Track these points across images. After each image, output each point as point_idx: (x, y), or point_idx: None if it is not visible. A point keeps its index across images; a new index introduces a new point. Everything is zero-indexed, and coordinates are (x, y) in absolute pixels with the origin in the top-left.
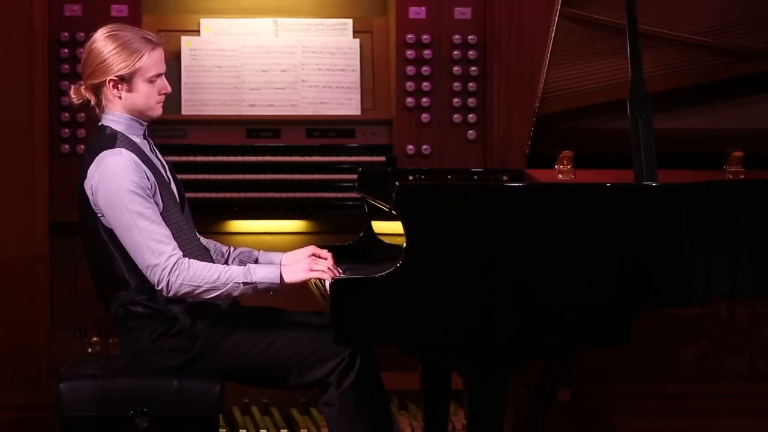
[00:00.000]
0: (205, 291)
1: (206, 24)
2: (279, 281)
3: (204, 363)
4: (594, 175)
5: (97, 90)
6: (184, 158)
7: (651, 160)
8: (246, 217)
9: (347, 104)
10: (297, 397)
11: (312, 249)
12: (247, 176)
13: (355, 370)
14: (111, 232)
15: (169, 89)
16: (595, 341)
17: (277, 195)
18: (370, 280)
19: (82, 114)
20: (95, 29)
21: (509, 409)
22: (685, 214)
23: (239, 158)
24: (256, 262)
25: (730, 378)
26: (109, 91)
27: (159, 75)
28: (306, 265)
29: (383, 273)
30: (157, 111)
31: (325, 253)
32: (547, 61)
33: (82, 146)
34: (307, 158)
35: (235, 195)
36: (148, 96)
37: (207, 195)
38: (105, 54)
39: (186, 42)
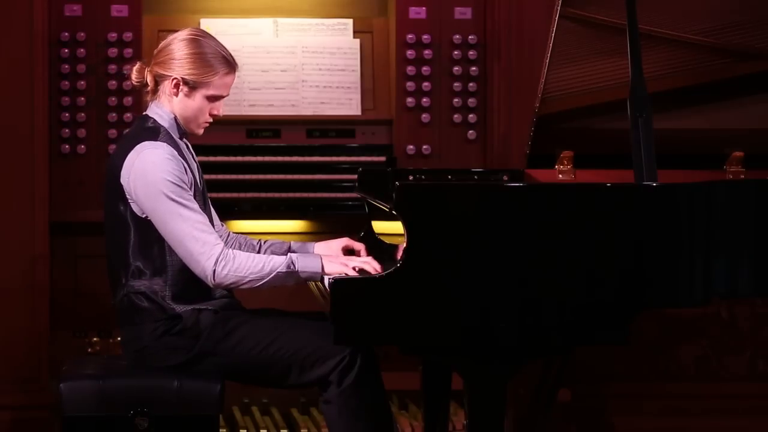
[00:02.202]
0: (250, 281)
1: (206, 24)
2: (320, 270)
3: (205, 362)
4: (594, 175)
5: (158, 79)
6: None
7: (651, 160)
8: (246, 217)
9: (347, 104)
10: (297, 397)
11: (346, 241)
12: (248, 176)
13: (356, 368)
14: (139, 220)
15: (220, 114)
16: (595, 341)
17: (277, 195)
18: (370, 280)
19: (83, 114)
20: (95, 29)
21: (509, 409)
22: (685, 214)
23: (239, 158)
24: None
25: (730, 378)
26: (169, 87)
27: (219, 98)
28: (345, 259)
29: (383, 273)
30: (199, 130)
31: (358, 245)
32: (547, 61)
33: (82, 147)
34: (307, 158)
35: (235, 195)
36: (200, 110)
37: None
38: (181, 53)
39: None
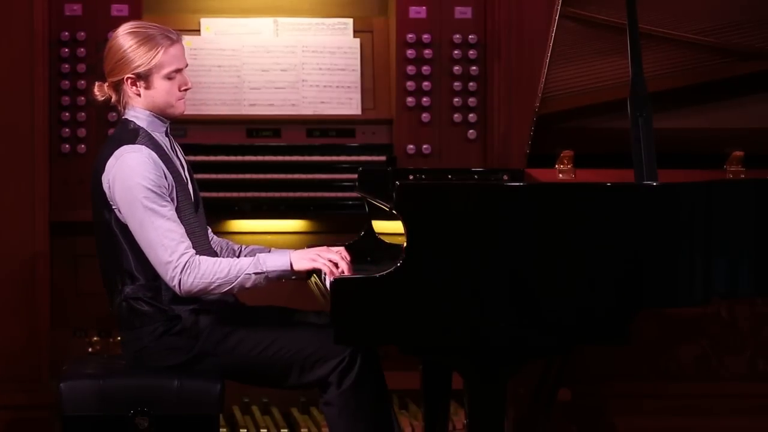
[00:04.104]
0: (218, 286)
1: (206, 23)
2: (289, 268)
3: (205, 362)
4: (594, 174)
5: (117, 87)
6: None
7: (651, 160)
8: (246, 216)
9: (347, 104)
10: (297, 396)
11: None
12: (248, 176)
13: (355, 369)
14: (124, 226)
15: (189, 85)
16: (595, 341)
17: (277, 194)
18: (370, 279)
19: (83, 114)
20: (95, 29)
21: (509, 409)
22: (685, 214)
23: (239, 158)
24: None
25: (730, 378)
26: (128, 89)
27: (178, 71)
28: (314, 254)
29: (383, 273)
30: (179, 108)
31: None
32: (547, 61)
33: (82, 146)
34: (307, 158)
35: (235, 195)
36: (168, 93)
37: (207, 195)
38: (122, 51)
39: (186, 42)
